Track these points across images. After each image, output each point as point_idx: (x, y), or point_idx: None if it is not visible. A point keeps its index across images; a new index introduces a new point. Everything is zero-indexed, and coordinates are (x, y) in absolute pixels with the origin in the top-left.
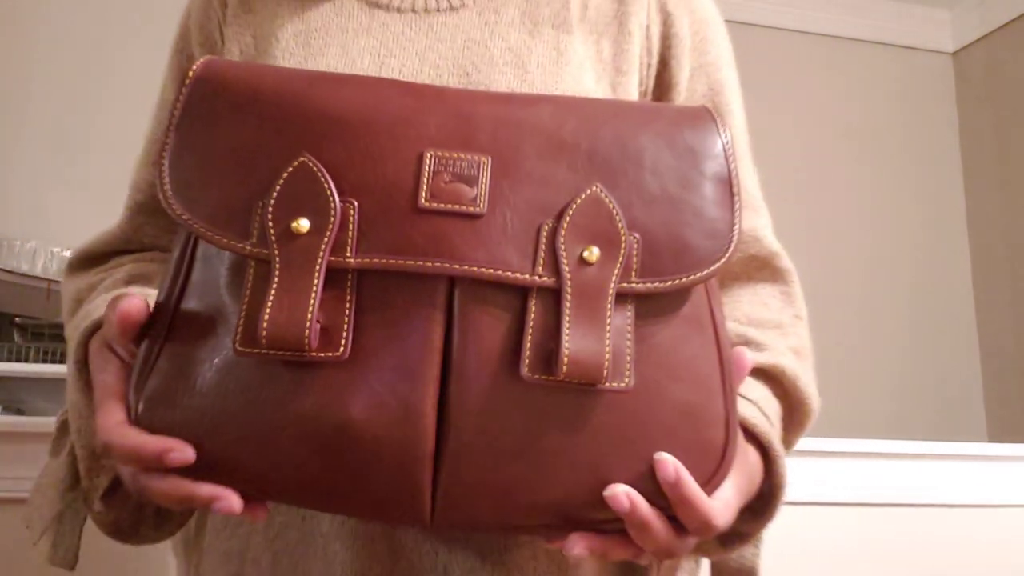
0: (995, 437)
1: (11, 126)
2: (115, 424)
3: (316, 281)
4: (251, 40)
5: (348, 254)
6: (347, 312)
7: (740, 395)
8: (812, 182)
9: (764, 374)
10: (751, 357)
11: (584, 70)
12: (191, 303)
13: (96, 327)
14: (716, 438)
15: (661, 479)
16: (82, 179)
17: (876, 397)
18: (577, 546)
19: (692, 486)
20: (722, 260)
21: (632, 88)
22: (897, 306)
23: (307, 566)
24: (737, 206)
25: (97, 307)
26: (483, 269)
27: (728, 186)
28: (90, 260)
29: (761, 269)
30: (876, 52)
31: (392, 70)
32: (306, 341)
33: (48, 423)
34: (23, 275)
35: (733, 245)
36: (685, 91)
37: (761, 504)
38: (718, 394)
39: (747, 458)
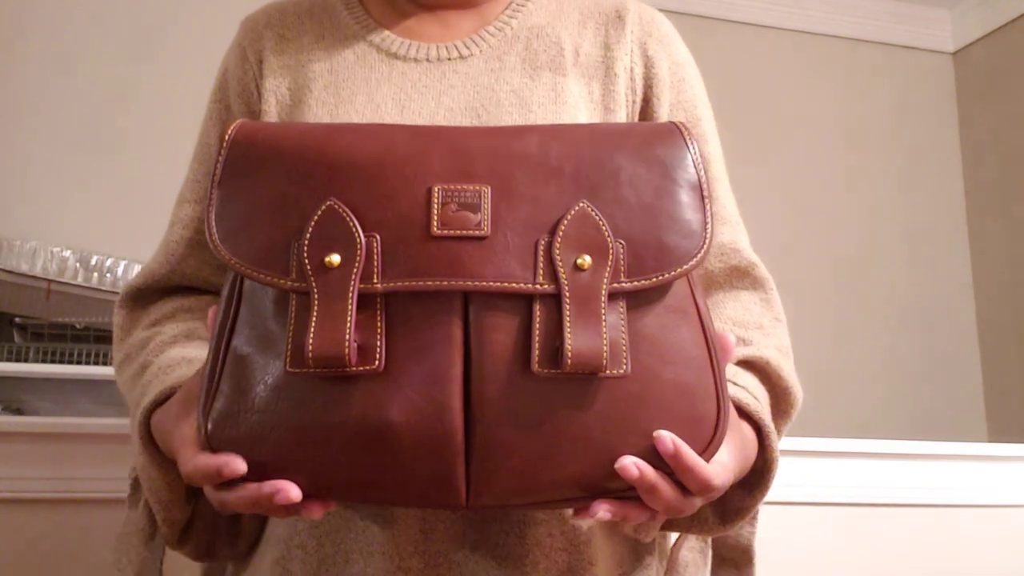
0: (995, 437)
1: (11, 126)
2: (188, 459)
3: (350, 306)
4: (287, 92)
5: (375, 280)
6: (379, 331)
7: (731, 382)
8: (812, 182)
9: (751, 365)
10: (739, 351)
11: (579, 109)
12: (242, 335)
13: (155, 404)
14: (709, 410)
15: (661, 452)
16: (82, 179)
17: (876, 397)
18: (600, 509)
19: (690, 455)
20: (698, 255)
21: (620, 120)
22: (897, 306)
23: (348, 547)
24: (708, 208)
25: (151, 383)
26: (492, 283)
27: (698, 191)
28: (141, 297)
29: (742, 278)
30: (876, 52)
31: (413, 113)
32: (347, 358)
33: (48, 423)
34: (23, 275)
35: (708, 242)
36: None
37: (756, 479)
38: (707, 372)
39: (742, 433)
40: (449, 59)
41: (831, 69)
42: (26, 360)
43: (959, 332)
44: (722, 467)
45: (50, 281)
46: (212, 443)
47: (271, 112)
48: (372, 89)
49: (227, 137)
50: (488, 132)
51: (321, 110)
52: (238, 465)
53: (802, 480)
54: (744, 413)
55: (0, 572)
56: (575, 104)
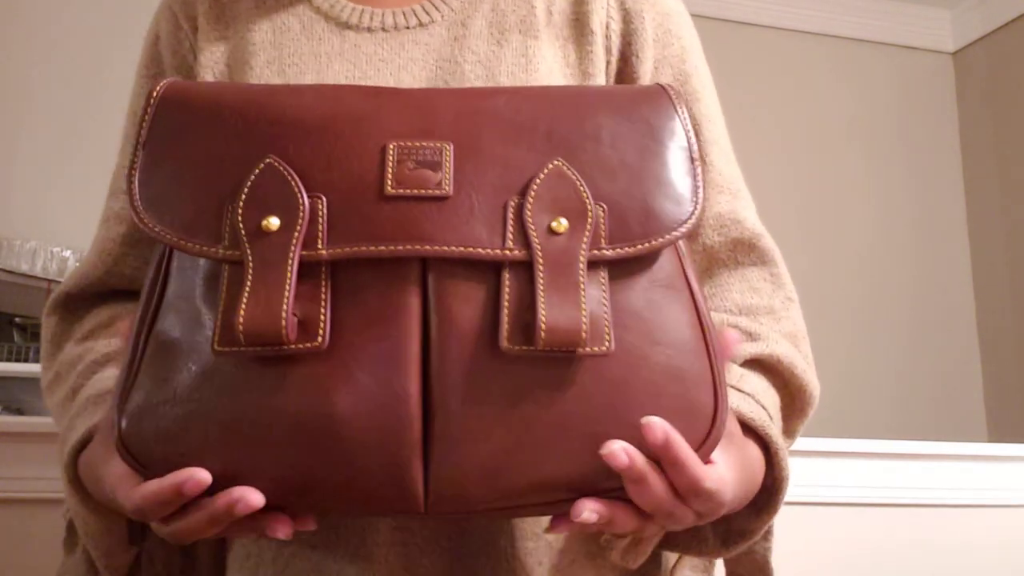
0: (995, 437)
1: (11, 126)
2: (132, 489)
3: (289, 274)
4: (225, 69)
5: (320, 246)
6: (323, 303)
7: (736, 388)
8: (812, 181)
9: (760, 365)
10: (746, 349)
11: (553, 76)
12: (168, 318)
13: (82, 445)
14: (704, 400)
15: (650, 443)
16: (82, 179)
17: (876, 397)
18: (585, 509)
19: (682, 446)
20: (689, 221)
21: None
22: (897, 306)
23: None
24: (698, 171)
25: (78, 417)
26: (453, 248)
27: (687, 153)
28: (72, 303)
29: (748, 253)
30: (876, 52)
31: (371, 82)
32: (283, 333)
33: (48, 423)
34: (23, 275)
35: (698, 207)
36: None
37: (765, 498)
38: (702, 356)
39: (747, 453)
40: (408, 27)
41: (830, 69)
42: (26, 360)
43: (959, 332)
44: (718, 476)
45: (50, 281)
46: (127, 442)
47: (211, 74)
48: (322, 66)
49: (155, 94)
50: (452, 92)
51: (266, 71)
52: (201, 476)
53: (801, 480)
54: (749, 429)
55: (1, 572)
56: (548, 71)
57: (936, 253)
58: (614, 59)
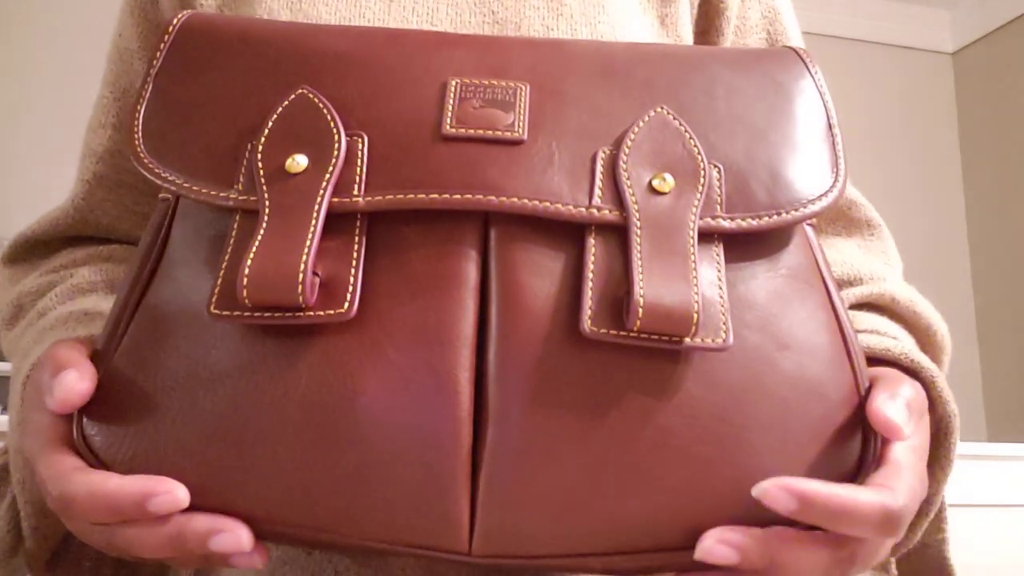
0: (995, 437)
1: (11, 126)
2: (70, 471)
3: (314, 222)
4: None
5: (356, 192)
6: (354, 261)
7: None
8: None
9: (870, 308)
10: (848, 294)
11: (629, 8)
12: (161, 285)
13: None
14: (849, 422)
15: (783, 512)
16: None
17: None
18: (711, 538)
19: (833, 493)
20: (828, 195)
21: (683, 20)
22: None
23: None
24: (837, 139)
25: (51, 331)
26: (526, 201)
27: (824, 116)
28: (34, 248)
29: (834, 221)
30: (876, 52)
31: (404, 8)
32: (299, 295)
33: None
34: None
35: (840, 179)
36: (736, 18)
37: (930, 456)
38: (843, 369)
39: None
40: None
41: (830, 69)
42: None
43: (959, 332)
44: (897, 489)
45: None
46: (91, 443)
47: (209, 4)
48: None
49: (174, 22)
50: (529, 39)
51: (276, 2)
52: (178, 495)
53: None
54: (883, 362)
55: None
56: (621, 4)
57: (936, 252)
58: None
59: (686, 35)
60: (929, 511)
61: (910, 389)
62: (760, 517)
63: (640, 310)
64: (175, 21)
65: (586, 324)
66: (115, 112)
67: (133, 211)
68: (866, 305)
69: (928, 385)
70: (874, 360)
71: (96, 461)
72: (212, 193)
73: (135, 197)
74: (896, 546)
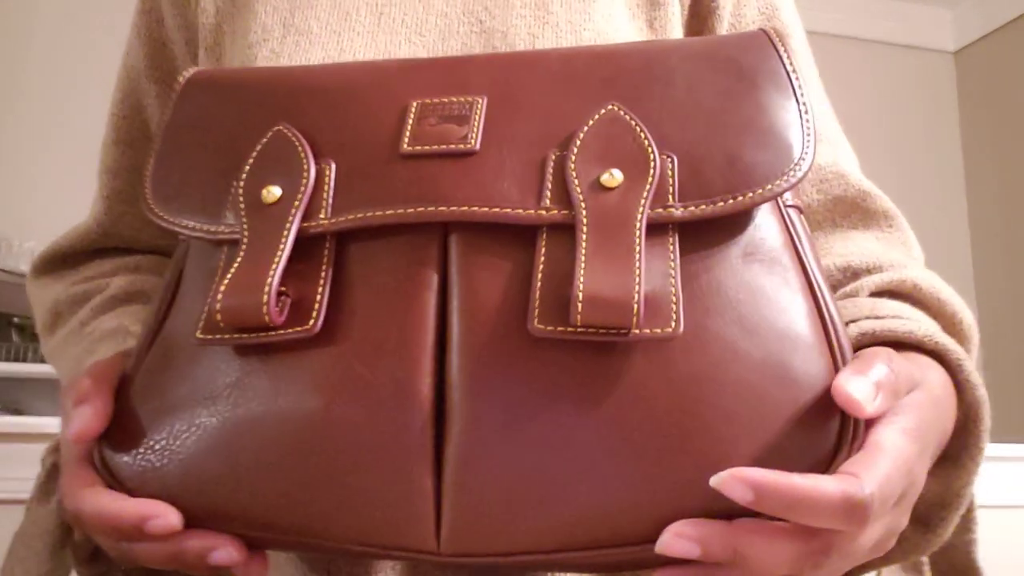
0: (996, 437)
1: (10, 125)
2: (82, 488)
3: (282, 246)
4: None
5: (323, 216)
6: (321, 280)
7: (873, 317)
8: None
9: (892, 296)
10: (867, 283)
11: (615, 4)
12: (175, 317)
13: None
14: (821, 408)
15: (740, 502)
16: (83, 179)
17: None
18: (670, 533)
19: (791, 483)
20: (792, 174)
21: (673, 23)
22: None
23: None
24: (806, 116)
25: (104, 343)
26: (476, 208)
27: (791, 94)
28: (63, 260)
29: (848, 214)
30: (877, 51)
31: (393, 20)
32: (265, 314)
33: (47, 424)
34: (23, 275)
35: (807, 156)
36: (730, 16)
37: (960, 440)
38: (820, 355)
39: (921, 378)
40: None
41: (830, 68)
42: (25, 360)
43: None
44: (875, 475)
45: None
46: (108, 463)
47: (209, 17)
48: None
49: (180, 80)
50: (494, 54)
51: (271, 17)
52: (171, 519)
53: None
54: (908, 346)
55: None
56: (608, 4)
57: (937, 252)
58: None
59: (676, 37)
60: (959, 504)
61: (884, 367)
62: (726, 509)
63: (580, 304)
64: (180, 79)
65: (533, 322)
66: (126, 129)
67: (151, 223)
68: (887, 292)
69: (955, 369)
70: (898, 345)
71: (112, 480)
72: (204, 228)
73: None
74: (925, 544)
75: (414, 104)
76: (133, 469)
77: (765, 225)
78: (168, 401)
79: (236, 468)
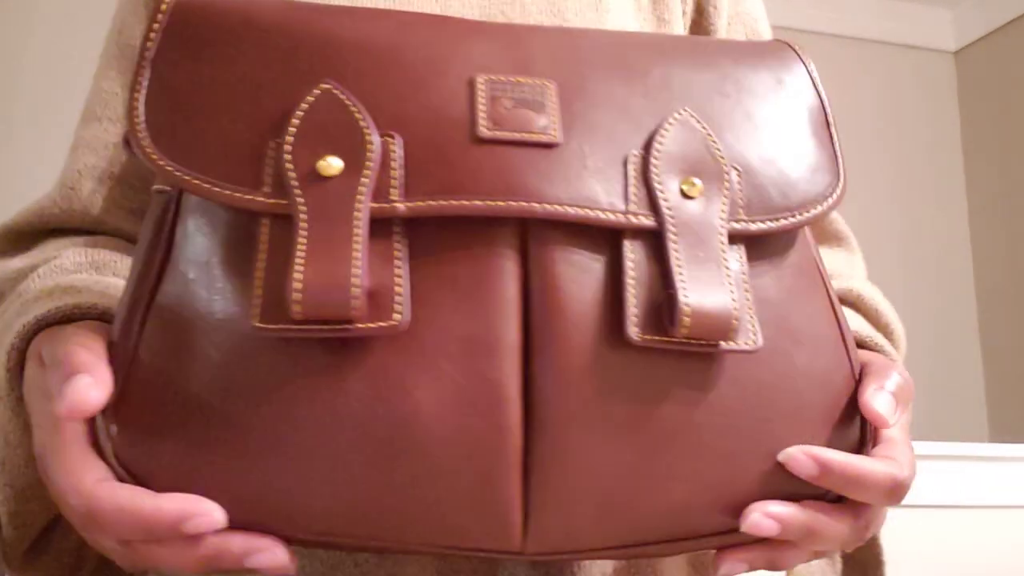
0: (996, 437)
1: (10, 125)
2: (96, 483)
3: (358, 231)
4: None
5: (395, 198)
6: (397, 270)
7: None
8: None
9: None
10: None
11: (626, 18)
12: (175, 288)
13: (41, 325)
14: (850, 412)
15: (805, 476)
16: None
17: None
18: (756, 511)
19: (849, 461)
20: (833, 196)
21: (676, 30)
22: (897, 305)
23: None
24: (835, 138)
25: (39, 301)
26: (567, 208)
27: (823, 115)
28: (17, 239)
29: (816, 235)
30: (877, 51)
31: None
32: (351, 307)
33: None
34: None
35: (842, 180)
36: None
37: None
38: (844, 360)
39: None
40: None
41: (830, 68)
42: None
43: (960, 332)
44: (899, 443)
45: None
46: (120, 454)
47: None
48: None
49: (167, 2)
50: (540, 27)
51: None
52: (216, 517)
53: None
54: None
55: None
56: (621, 12)
57: (938, 252)
58: (690, 9)
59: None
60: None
61: (898, 377)
62: (787, 499)
63: (687, 318)
64: (165, 2)
65: (633, 331)
66: (114, 105)
67: (121, 205)
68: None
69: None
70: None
71: (126, 474)
72: (237, 195)
73: (124, 191)
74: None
75: (480, 80)
76: (158, 467)
77: (800, 240)
78: (196, 390)
79: (307, 472)
